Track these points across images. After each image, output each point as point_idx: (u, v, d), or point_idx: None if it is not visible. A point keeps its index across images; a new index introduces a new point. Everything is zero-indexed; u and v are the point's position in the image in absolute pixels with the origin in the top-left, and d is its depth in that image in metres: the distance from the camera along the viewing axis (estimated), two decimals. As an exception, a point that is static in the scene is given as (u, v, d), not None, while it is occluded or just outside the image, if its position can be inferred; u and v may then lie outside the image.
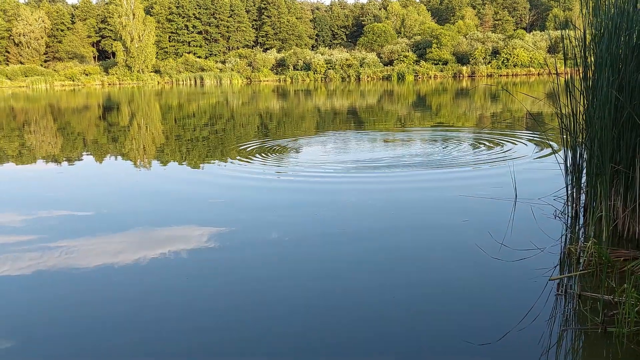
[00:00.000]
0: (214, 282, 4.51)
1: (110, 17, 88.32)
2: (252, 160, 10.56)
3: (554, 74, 5.98)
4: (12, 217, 6.74)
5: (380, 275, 4.52)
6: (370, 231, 5.73)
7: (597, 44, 5.21)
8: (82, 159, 12.02)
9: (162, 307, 4.04)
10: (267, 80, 75.90)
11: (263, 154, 11.33)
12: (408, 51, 75.03)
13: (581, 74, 5.41)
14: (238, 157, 10.93)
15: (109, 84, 76.65)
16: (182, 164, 10.71)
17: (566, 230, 5.38)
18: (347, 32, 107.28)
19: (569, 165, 5.58)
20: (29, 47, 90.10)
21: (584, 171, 5.49)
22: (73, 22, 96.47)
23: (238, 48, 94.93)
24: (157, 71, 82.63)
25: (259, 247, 5.32)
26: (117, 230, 6.05)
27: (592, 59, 5.29)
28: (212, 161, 10.60)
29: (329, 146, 12.62)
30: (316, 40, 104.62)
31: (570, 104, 5.55)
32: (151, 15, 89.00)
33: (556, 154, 6.01)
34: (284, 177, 8.69)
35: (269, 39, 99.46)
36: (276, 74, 78.62)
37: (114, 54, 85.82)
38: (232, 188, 7.98)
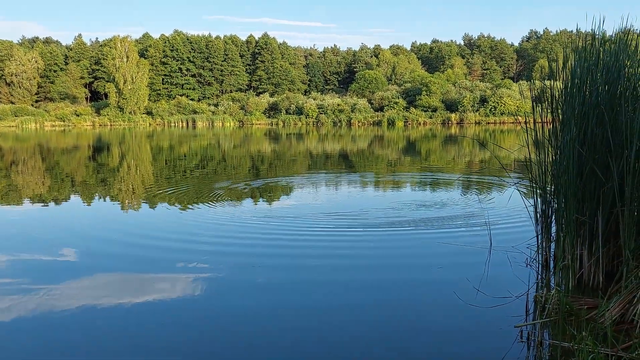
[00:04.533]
0: (197, 327, 4.59)
1: (104, 59, 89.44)
2: (241, 202, 10.71)
3: (523, 123, 6.22)
4: (-5, 258, 6.80)
5: (352, 312, 4.70)
6: (346, 271, 5.86)
7: (564, 99, 5.48)
8: (69, 200, 12.10)
9: (144, 353, 4.11)
10: (260, 124, 76.68)
11: (252, 197, 11.52)
12: (398, 98, 76.41)
13: (549, 127, 5.66)
14: (228, 199, 11.08)
15: (100, 125, 77.03)
16: (171, 206, 10.80)
17: (536, 278, 5.54)
18: (339, 78, 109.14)
19: (538, 215, 5.77)
20: (20, 87, 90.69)
21: (553, 221, 5.68)
22: (66, 63, 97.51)
23: (231, 91, 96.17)
24: (149, 113, 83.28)
25: (245, 293, 5.42)
26: (100, 273, 6.12)
27: (560, 112, 5.55)
28: (202, 203, 10.71)
29: (320, 190, 12.78)
30: (309, 85, 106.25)
31: (540, 155, 5.78)
32: (145, 58, 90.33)
33: (527, 204, 6.22)
34: (274, 224, 8.78)
35: (262, 83, 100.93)
36: (268, 117, 79.49)
37: (106, 95, 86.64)
38: (219, 231, 8.07)
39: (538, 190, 5.73)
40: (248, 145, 33.80)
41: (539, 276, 5.62)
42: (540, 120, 5.82)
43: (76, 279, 5.88)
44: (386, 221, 8.66)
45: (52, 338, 4.36)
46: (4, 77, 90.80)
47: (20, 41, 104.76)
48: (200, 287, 5.55)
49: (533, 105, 5.78)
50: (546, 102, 5.70)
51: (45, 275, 6.04)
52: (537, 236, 5.84)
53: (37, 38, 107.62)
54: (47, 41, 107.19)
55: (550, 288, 5.12)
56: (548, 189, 5.64)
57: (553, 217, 5.66)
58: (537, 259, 5.94)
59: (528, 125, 5.98)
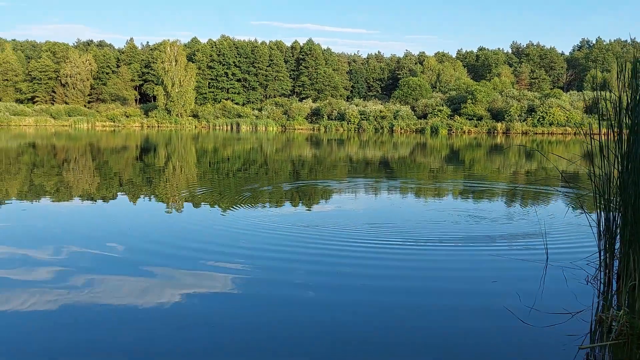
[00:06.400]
0: (236, 327, 4.49)
1: (153, 63, 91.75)
2: (280, 206, 10.66)
3: (587, 135, 5.93)
4: (43, 252, 6.89)
5: (407, 332, 4.45)
6: (392, 285, 5.66)
7: (633, 109, 5.17)
8: (116, 198, 12.29)
9: (185, 350, 4.03)
10: (302, 129, 77.01)
11: (291, 201, 11.45)
12: (442, 105, 75.40)
13: (616, 138, 5.35)
14: (268, 201, 11.06)
15: (148, 126, 78.88)
16: (213, 207, 10.83)
17: (598, 297, 5.22)
18: (382, 85, 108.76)
19: (602, 230, 5.45)
20: (74, 88, 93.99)
21: (618, 237, 5.35)
22: (118, 66, 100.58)
23: (275, 96, 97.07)
24: (195, 115, 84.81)
25: (281, 294, 5.30)
26: (143, 269, 6.12)
27: (628, 122, 5.24)
28: (243, 205, 10.70)
29: (360, 197, 12.63)
30: (351, 91, 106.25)
31: (604, 167, 5.47)
32: (193, 62, 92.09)
33: (589, 218, 5.88)
34: (313, 229, 8.65)
35: (306, 89, 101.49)
36: (310, 122, 79.77)
37: (154, 98, 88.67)
38: (259, 233, 8.01)
39: (602, 204, 5.40)
40: (290, 149, 33.89)
41: (601, 295, 5.30)
42: (605, 130, 5.50)
43: (119, 275, 5.89)
44: (434, 232, 8.41)
45: (94, 330, 4.33)
46: (59, 78, 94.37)
47: (75, 44, 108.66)
48: (236, 286, 5.46)
49: (599, 115, 5.47)
50: (613, 112, 5.39)
51: (90, 270, 6.07)
52: (600, 252, 5.51)
53: (91, 41, 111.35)
54: (101, 44, 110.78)
55: (613, 308, 4.80)
56: (613, 202, 5.32)
57: (617, 232, 5.32)
58: (598, 277, 5.61)
59: (592, 135, 5.67)
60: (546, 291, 5.44)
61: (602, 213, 5.44)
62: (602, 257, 5.51)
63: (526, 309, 4.89)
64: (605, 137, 5.55)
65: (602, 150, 5.47)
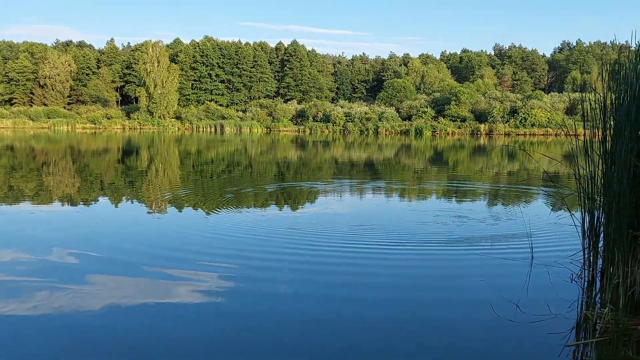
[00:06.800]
0: (221, 329, 4.43)
1: (135, 64, 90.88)
2: (265, 208, 10.60)
3: (571, 135, 5.97)
4: (24, 257, 6.76)
5: (394, 333, 4.43)
6: (380, 287, 5.64)
7: (617, 109, 5.21)
8: (97, 201, 12.13)
9: (167, 352, 3.97)
10: (287, 130, 76.89)
11: (276, 203, 11.40)
12: (427, 107, 75.80)
13: (600, 138, 5.39)
14: (253, 204, 11.00)
15: (130, 128, 78.14)
16: (197, 210, 10.74)
17: (583, 295, 5.25)
18: (367, 87, 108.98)
19: (586, 229, 5.48)
20: (53, 90, 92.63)
21: (602, 235, 5.39)
22: (98, 67, 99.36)
23: (259, 98, 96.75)
24: (178, 117, 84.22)
25: (267, 299, 5.25)
26: (126, 273, 6.03)
27: (612, 123, 5.28)
28: (228, 207, 10.63)
29: (345, 199, 12.61)
30: (336, 93, 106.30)
31: (589, 167, 5.51)
32: (176, 63, 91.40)
33: (573, 217, 5.92)
34: (298, 230, 8.62)
35: (290, 90, 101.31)
36: (295, 124, 79.68)
37: (136, 99, 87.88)
38: (244, 234, 7.95)
39: (586, 203, 5.44)
40: (275, 151, 33.80)
41: (586, 293, 5.33)
42: (588, 131, 5.54)
43: (102, 279, 5.80)
44: (419, 234, 8.42)
45: (76, 337, 4.25)
46: (37, 79, 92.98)
47: (54, 44, 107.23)
48: (219, 291, 5.41)
49: (583, 116, 5.50)
50: (596, 112, 5.43)
51: (72, 274, 5.97)
52: (584, 250, 5.54)
53: (70, 42, 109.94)
54: (81, 45, 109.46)
55: (597, 306, 4.83)
56: (597, 201, 5.35)
57: (601, 232, 5.36)
58: (582, 275, 5.64)
59: (577, 135, 5.71)
60: (531, 290, 5.46)
61: (587, 212, 5.47)
62: (586, 256, 5.54)
63: (512, 308, 4.90)
64: (588, 138, 5.59)
65: (587, 150, 5.50)
